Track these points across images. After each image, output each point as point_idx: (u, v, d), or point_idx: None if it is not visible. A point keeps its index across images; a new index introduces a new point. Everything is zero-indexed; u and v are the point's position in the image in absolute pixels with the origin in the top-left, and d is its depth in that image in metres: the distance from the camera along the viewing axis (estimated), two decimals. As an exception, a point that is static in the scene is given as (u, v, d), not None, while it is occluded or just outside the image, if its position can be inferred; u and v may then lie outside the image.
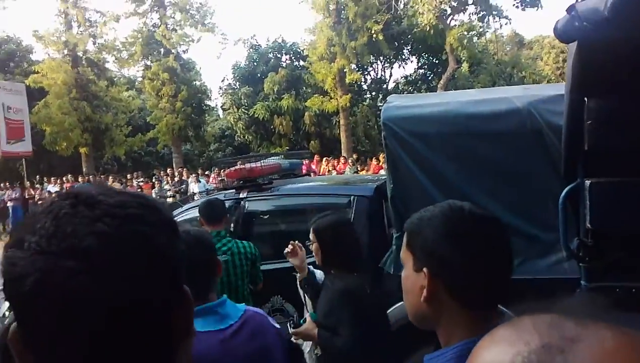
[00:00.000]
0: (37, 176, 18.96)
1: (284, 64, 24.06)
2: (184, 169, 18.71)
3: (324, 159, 16.97)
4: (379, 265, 3.08)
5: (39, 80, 19.67)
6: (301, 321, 2.62)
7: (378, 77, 25.45)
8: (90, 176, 18.78)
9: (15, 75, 21.55)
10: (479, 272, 0.99)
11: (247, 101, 23.36)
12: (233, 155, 23.92)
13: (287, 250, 2.74)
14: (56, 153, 20.58)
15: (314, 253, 2.54)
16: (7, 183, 18.15)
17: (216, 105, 27.66)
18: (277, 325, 1.56)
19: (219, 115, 28.15)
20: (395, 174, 3.08)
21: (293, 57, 24.62)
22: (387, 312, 2.65)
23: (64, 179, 18.00)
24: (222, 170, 17.00)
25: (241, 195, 4.04)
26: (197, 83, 23.27)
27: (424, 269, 1.00)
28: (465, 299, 0.99)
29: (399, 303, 2.96)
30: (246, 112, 23.11)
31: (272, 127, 23.01)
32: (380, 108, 24.10)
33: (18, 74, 21.82)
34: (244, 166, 4.20)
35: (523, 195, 2.85)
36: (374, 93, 25.68)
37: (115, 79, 22.88)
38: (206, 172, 18.15)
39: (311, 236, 2.56)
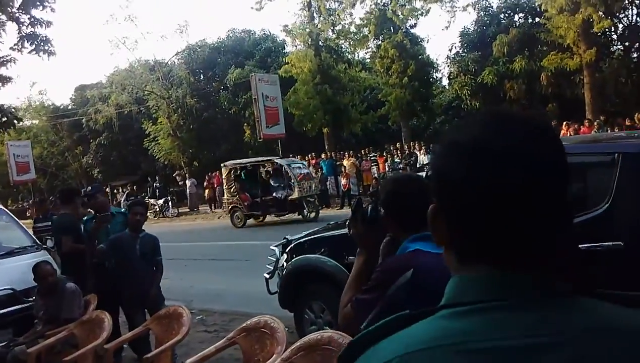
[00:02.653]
0: (290, 154, 21.77)
1: (517, 24, 22.49)
2: (414, 142, 19.26)
3: (564, 123, 15.51)
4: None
5: (288, 70, 22.47)
6: None
7: (632, 23, 21.77)
8: (330, 153, 20.76)
9: (272, 68, 24.91)
10: None
11: (474, 67, 22.64)
12: (459, 126, 23.46)
13: None
14: (304, 133, 23.33)
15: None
16: (268, 162, 21.46)
17: (442, 75, 27.45)
18: None
19: (444, 87, 27.91)
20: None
21: (528, 15, 22.81)
22: None
23: (309, 156, 20.39)
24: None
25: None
26: (424, 56, 23.45)
27: None
28: None
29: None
30: (473, 78, 22.42)
31: (501, 92, 21.85)
32: (635, 60, 20.61)
33: (274, 67, 25.14)
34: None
35: None
36: (627, 43, 22.09)
37: (350, 61, 24.55)
38: (431, 145, 18.35)
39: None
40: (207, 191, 22.54)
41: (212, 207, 22.15)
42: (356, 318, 1.69)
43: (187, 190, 23.43)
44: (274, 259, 5.45)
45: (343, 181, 17.71)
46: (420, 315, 0.67)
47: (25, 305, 5.30)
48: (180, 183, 25.42)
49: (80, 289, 4.82)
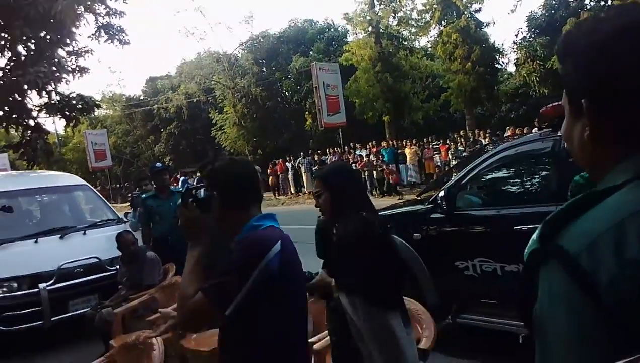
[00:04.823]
0: (350, 143, 21.88)
1: (588, 6, 21.28)
2: (479, 130, 18.76)
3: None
4: None
5: (349, 58, 22.49)
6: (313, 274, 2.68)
7: None
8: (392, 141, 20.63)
9: (336, 57, 24.92)
10: None
11: (543, 52, 21.66)
12: (527, 114, 22.62)
13: None
14: (364, 122, 23.33)
15: (321, 206, 2.45)
16: (329, 150, 21.65)
17: (508, 61, 26.48)
18: None
19: (510, 73, 26.88)
20: None
21: (602, -5, 21.54)
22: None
23: (370, 144, 20.35)
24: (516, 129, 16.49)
25: (559, 133, 3.92)
26: (489, 41, 22.71)
27: None
28: None
29: None
30: (542, 64, 21.45)
31: (573, 78, 20.74)
32: None
33: (336, 55, 25.17)
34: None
35: None
36: None
37: (412, 48, 24.18)
38: (497, 132, 17.75)
39: (317, 187, 2.49)
40: (270, 178, 23.08)
41: (276, 194, 22.67)
42: (213, 305, 1.58)
43: (252, 178, 24.06)
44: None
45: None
46: (609, 191, 0.73)
47: (110, 272, 5.77)
48: (245, 171, 26.15)
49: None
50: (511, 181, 4.61)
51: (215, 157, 25.77)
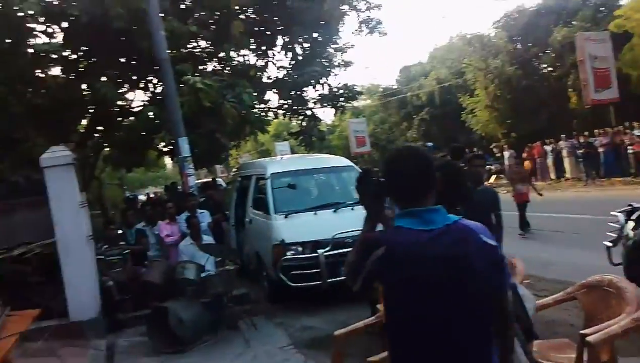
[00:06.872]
0: (625, 122, 18.87)
1: None
2: None
3: None
4: None
5: (621, 25, 19.39)
6: None
7: None
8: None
9: (606, 25, 21.72)
10: None
11: None
12: None
13: None
14: (644, 96, 19.83)
15: None
16: (597, 131, 19.06)
17: None
18: (492, 242, 1.68)
19: None
20: None
21: None
22: None
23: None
24: None
25: None
26: None
27: None
28: None
29: None
30: None
31: None
32: None
33: (607, 23, 21.92)
34: None
35: None
36: None
37: None
38: None
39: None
40: (526, 163, 21.53)
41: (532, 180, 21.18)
42: (346, 276, 1.83)
43: (506, 162, 22.92)
44: (617, 226, 4.98)
45: None
46: None
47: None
48: (497, 155, 25.18)
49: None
50: None
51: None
